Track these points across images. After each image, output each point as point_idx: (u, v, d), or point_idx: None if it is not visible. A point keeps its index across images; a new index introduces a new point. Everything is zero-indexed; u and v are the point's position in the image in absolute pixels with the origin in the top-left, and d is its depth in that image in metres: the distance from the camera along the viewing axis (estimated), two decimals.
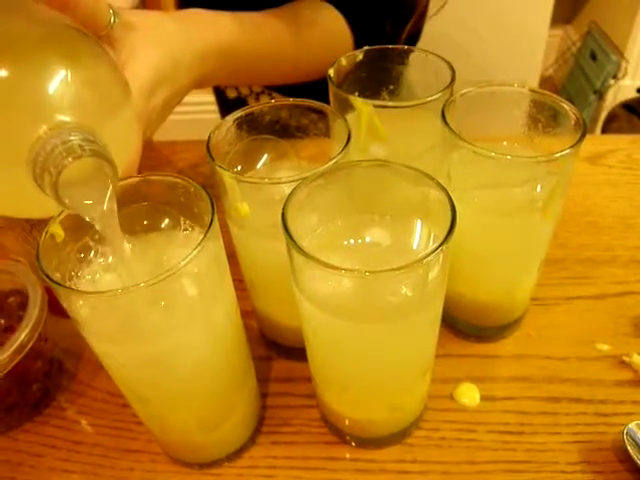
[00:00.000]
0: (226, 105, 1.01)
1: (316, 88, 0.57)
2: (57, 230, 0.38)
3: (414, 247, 0.41)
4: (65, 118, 0.33)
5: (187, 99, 0.57)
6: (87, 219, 0.35)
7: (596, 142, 0.81)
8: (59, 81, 0.33)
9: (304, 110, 0.48)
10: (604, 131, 1.91)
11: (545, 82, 2.39)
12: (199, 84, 0.59)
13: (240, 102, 0.95)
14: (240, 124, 0.47)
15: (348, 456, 0.49)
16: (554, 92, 0.46)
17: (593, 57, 2.19)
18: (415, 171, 0.38)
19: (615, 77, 2.09)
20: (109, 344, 0.38)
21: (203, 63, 0.58)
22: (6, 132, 0.32)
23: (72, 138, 0.32)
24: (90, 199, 0.34)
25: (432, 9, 0.95)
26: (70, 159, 0.31)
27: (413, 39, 0.93)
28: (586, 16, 2.38)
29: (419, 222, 0.41)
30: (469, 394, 0.52)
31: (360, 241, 0.41)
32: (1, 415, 0.51)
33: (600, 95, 2.12)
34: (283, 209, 0.36)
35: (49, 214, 0.38)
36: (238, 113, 0.46)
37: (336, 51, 0.73)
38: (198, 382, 0.43)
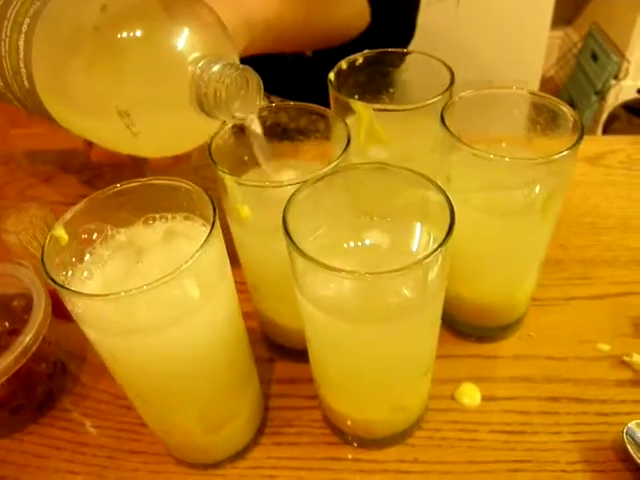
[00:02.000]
0: None
1: (316, 91, 0.58)
2: (61, 233, 0.38)
3: (414, 249, 0.41)
4: (204, 53, 0.41)
5: None
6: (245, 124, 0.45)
7: (596, 143, 0.81)
8: (191, 26, 0.41)
9: (305, 113, 0.48)
10: (605, 132, 1.91)
11: (546, 83, 2.40)
12: (240, 54, 0.59)
13: None
14: (241, 127, 0.47)
15: (350, 456, 0.50)
16: (555, 93, 0.47)
17: (594, 58, 2.20)
18: (414, 173, 0.39)
19: (616, 77, 2.09)
20: (112, 344, 0.38)
21: (249, 31, 0.58)
22: (166, 78, 0.41)
23: (220, 63, 0.40)
24: (247, 106, 0.43)
25: None
26: (234, 73, 0.40)
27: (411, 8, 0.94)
28: (587, 17, 2.38)
29: (418, 224, 0.41)
30: (470, 394, 0.52)
31: (360, 243, 0.41)
32: (6, 417, 0.52)
33: (601, 96, 2.12)
34: (284, 212, 0.37)
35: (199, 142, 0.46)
36: None
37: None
38: (201, 383, 0.43)
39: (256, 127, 0.46)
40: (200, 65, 0.40)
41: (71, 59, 0.41)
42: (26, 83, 0.45)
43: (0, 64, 0.46)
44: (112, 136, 0.45)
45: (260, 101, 0.44)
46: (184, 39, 0.41)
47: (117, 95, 0.41)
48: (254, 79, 0.42)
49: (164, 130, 0.44)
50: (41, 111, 0.46)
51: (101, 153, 0.54)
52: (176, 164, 0.54)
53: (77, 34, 0.41)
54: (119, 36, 0.39)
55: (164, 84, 0.41)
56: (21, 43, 0.43)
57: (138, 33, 0.40)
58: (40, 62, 0.43)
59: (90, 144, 0.55)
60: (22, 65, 0.44)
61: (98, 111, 0.42)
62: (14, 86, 0.47)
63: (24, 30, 0.43)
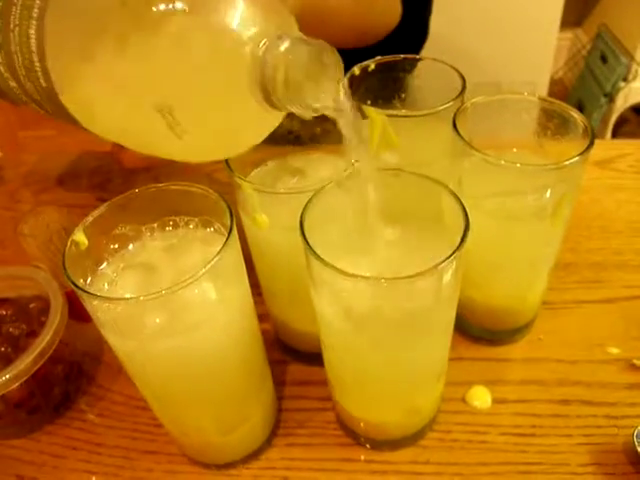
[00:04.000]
0: None
1: None
2: (81, 238, 0.39)
3: (428, 254, 0.41)
4: (263, 27, 0.34)
5: None
6: (325, 112, 0.37)
7: (605, 147, 0.81)
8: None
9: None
10: (615, 135, 1.91)
11: (555, 85, 2.39)
12: None
13: None
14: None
15: (363, 458, 0.50)
16: (564, 95, 0.47)
17: (603, 60, 2.19)
18: (428, 179, 0.39)
19: (625, 79, 2.09)
20: (131, 347, 0.39)
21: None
22: (218, 62, 0.33)
23: (289, 39, 0.33)
24: (324, 91, 0.36)
25: None
26: (310, 49, 0.33)
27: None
28: (596, 19, 2.37)
29: (432, 229, 0.41)
30: (481, 397, 0.53)
31: (375, 248, 0.42)
32: (24, 417, 0.52)
33: (610, 98, 2.12)
34: (301, 217, 0.37)
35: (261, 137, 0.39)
36: None
37: None
38: (216, 385, 0.44)
39: (345, 107, 0.37)
40: (263, 43, 0.33)
41: (93, 44, 0.33)
42: (42, 81, 0.36)
43: (11, 61, 0.37)
44: (150, 139, 0.37)
45: (342, 82, 0.36)
46: (238, 10, 0.33)
47: (155, 87, 0.33)
48: (333, 55, 0.34)
49: (215, 129, 0.36)
50: (63, 114, 0.38)
51: (135, 157, 0.50)
52: None
53: (100, 11, 0.33)
54: (153, 10, 0.31)
55: (215, 70, 0.33)
56: (32, 32, 0.35)
57: (178, 5, 0.31)
58: (56, 50, 0.35)
59: (121, 147, 0.47)
60: (36, 59, 0.36)
61: (131, 109, 0.34)
62: (29, 86, 0.38)
63: (35, 15, 0.35)
